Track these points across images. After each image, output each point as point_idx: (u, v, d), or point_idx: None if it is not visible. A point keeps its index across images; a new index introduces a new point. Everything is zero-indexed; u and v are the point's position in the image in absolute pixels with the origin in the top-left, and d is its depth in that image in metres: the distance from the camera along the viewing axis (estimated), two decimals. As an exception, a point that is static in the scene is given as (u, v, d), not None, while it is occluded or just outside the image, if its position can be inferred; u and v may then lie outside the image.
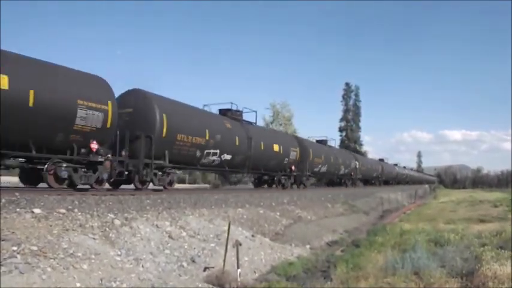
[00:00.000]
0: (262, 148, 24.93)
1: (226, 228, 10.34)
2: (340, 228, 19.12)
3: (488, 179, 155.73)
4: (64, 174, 13.10)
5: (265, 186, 29.06)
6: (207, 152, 19.74)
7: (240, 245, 9.79)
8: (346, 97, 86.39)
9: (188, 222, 11.99)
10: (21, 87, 11.71)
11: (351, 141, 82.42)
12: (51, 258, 7.15)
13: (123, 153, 15.55)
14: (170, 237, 10.53)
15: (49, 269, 6.79)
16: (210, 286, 8.91)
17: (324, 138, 41.68)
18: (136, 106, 16.72)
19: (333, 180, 43.68)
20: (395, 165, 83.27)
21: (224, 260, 9.38)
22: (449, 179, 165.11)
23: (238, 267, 9.29)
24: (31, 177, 14.05)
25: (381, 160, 71.70)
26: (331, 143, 42.92)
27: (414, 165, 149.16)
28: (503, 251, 11.47)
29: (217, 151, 20.55)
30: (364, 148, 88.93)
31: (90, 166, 13.91)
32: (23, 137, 12.18)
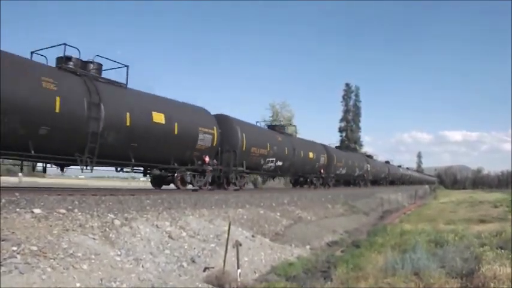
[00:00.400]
0: (302, 156, 31.53)
1: (226, 228, 10.34)
2: (340, 228, 19.12)
3: (488, 179, 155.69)
4: (188, 179, 19.00)
5: (298, 186, 36.03)
6: (267, 160, 25.85)
7: (240, 245, 9.79)
8: (346, 97, 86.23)
9: (188, 222, 12.00)
10: (171, 121, 17.42)
11: (351, 141, 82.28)
12: (51, 259, 7.15)
13: (216, 162, 20.92)
14: (170, 237, 10.53)
15: (49, 269, 6.79)
16: (210, 286, 8.91)
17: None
18: (224, 128, 21.61)
19: (349, 180, 47.25)
20: (399, 166, 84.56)
21: (224, 260, 9.37)
22: (449, 180, 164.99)
23: (238, 268, 9.29)
24: (160, 182, 20.10)
25: (387, 162, 73.30)
26: (327, 141, 45.15)
27: (414, 166, 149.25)
28: (503, 251, 11.47)
29: (274, 159, 26.62)
30: (364, 149, 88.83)
31: (202, 173, 19.79)
32: (168, 155, 17.82)
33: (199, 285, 8.85)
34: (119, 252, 8.70)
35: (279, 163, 27.40)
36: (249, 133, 23.38)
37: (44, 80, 13.07)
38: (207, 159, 17.15)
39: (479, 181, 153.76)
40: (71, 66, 15.02)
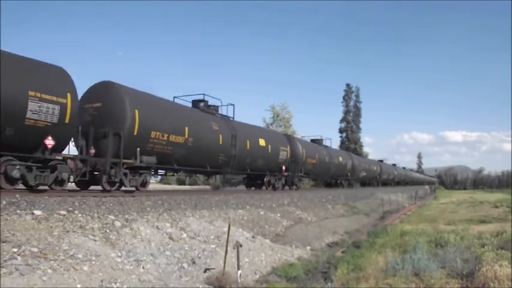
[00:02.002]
0: (336, 162, 32.00)
1: (226, 229, 10.34)
2: (341, 229, 19.12)
3: (489, 180, 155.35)
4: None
5: (254, 188, 28.13)
6: (316, 168, 26.95)
7: (241, 246, 9.79)
8: (346, 98, 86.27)
9: (189, 223, 12.01)
10: (267, 144, 15.52)
11: (351, 142, 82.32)
12: (51, 260, 7.16)
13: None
14: (171, 238, 10.54)
15: (50, 271, 6.80)
16: (211, 287, 8.92)
17: (319, 138, 40.67)
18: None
19: (327, 181, 43.55)
20: (394, 165, 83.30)
21: (224, 262, 9.38)
22: (449, 180, 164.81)
23: (238, 269, 9.29)
24: (252, 183, 18.77)
25: (380, 161, 71.38)
26: (328, 143, 42.60)
27: (414, 167, 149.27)
28: (503, 251, 11.46)
29: (322, 167, 28.14)
30: (365, 149, 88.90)
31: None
32: (264, 166, 16.44)
33: (200, 287, 8.86)
34: (119, 254, 8.70)
35: (322, 169, 35.80)
36: (306, 147, 30.91)
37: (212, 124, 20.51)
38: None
39: (479, 181, 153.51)
40: (218, 113, 22.98)
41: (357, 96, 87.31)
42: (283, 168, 28.33)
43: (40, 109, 12.10)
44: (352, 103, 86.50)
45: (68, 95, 12.98)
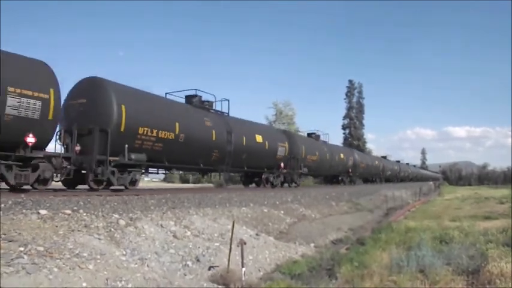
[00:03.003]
0: (337, 159, 31.66)
1: (230, 227, 10.35)
2: (345, 226, 19.11)
3: (494, 175, 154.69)
4: (271, 179, 12.18)
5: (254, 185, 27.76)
6: (317, 164, 26.72)
7: (245, 243, 9.79)
8: (349, 94, 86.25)
9: (192, 221, 12.03)
10: (264, 140, 16.01)
11: (354, 138, 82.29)
12: (57, 259, 7.18)
13: (77, 148, 14.37)
14: (175, 236, 10.56)
15: (55, 269, 6.82)
16: (215, 285, 8.93)
17: (315, 132, 39.31)
18: (91, 96, 15.29)
19: (328, 178, 43.32)
20: (398, 162, 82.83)
21: (229, 259, 9.39)
22: (454, 176, 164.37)
23: (242, 266, 9.30)
24: (249, 181, 17.49)
25: (383, 157, 70.98)
26: (331, 139, 42.45)
27: (418, 163, 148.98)
28: (509, 248, 11.43)
29: (323, 163, 27.69)
30: (368, 146, 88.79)
31: (279, 175, 13.84)
32: (261, 163, 16.40)
33: (204, 284, 8.86)
34: (124, 252, 8.72)
35: (323, 166, 35.48)
36: (306, 144, 29.04)
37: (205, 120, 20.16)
38: (30, 139, 11.75)
39: (484, 177, 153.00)
40: (212, 108, 22.53)
41: (360, 92, 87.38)
42: (282, 165, 27.51)
43: (20, 105, 11.75)
44: (355, 99, 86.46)
45: (51, 90, 12.60)
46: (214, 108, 22.99)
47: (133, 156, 15.66)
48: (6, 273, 6.24)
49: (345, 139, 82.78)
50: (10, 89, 11.58)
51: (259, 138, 24.69)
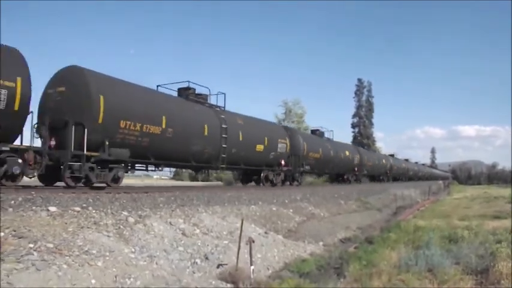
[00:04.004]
0: (342, 157, 31.21)
1: (239, 225, 10.36)
2: (354, 225, 19.06)
3: (503, 175, 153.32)
4: (271, 177, 11.60)
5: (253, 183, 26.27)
6: (319, 162, 26.06)
7: (253, 242, 9.81)
8: (358, 93, 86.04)
9: (201, 219, 12.04)
10: (263, 136, 17.10)
11: (363, 137, 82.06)
12: (66, 256, 7.22)
13: (52, 142, 13.57)
14: (183, 234, 10.58)
15: (65, 266, 6.86)
16: (224, 283, 8.94)
17: (318, 128, 38.25)
18: (68, 85, 14.27)
19: (333, 176, 42.32)
20: (406, 160, 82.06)
21: (237, 257, 9.40)
22: (463, 175, 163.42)
23: (251, 264, 9.32)
24: (248, 179, 16.12)
25: (391, 155, 69.85)
26: (340, 137, 42.47)
27: (428, 161, 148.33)
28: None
29: (329, 161, 26.91)
30: (377, 144, 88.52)
31: (279, 173, 14.44)
32: (260, 160, 16.85)
33: (213, 282, 8.88)
34: (133, 249, 8.76)
35: (326, 164, 34.20)
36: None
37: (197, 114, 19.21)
38: (282, 162, 15.22)
39: (494, 176, 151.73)
40: (207, 102, 21.43)
41: (369, 91, 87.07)
42: (283, 162, 25.54)
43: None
44: (364, 98, 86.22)
45: (18, 78, 11.69)
46: (209, 101, 21.72)
47: (113, 151, 14.59)
48: (16, 269, 6.29)
49: (354, 138, 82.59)
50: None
51: (257, 134, 23.42)
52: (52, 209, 9.34)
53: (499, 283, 8.56)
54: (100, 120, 13.98)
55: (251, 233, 11.78)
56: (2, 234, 7.29)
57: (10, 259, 6.50)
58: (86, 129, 13.47)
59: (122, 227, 9.55)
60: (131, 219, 10.11)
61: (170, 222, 10.90)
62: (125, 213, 10.50)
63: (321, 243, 14.52)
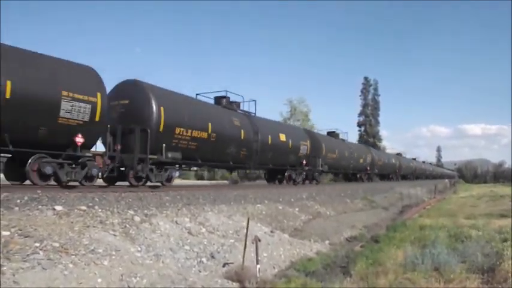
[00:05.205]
0: (356, 156, 32.90)
1: (245, 224, 10.36)
2: (360, 223, 19.01)
3: (509, 173, 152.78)
4: (48, 171, 12.54)
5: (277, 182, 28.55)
6: (335, 162, 27.49)
7: (259, 240, 9.80)
8: (364, 91, 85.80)
9: (207, 218, 12.05)
10: (287, 139, 17.07)
11: (369, 136, 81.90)
12: (72, 255, 7.24)
13: (118, 147, 15.16)
14: (190, 233, 10.59)
15: (71, 265, 6.87)
16: (230, 282, 8.94)
17: (334, 130, 41.07)
18: (132, 98, 16.38)
19: (347, 175, 43.67)
20: (414, 159, 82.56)
21: (243, 256, 9.40)
22: (469, 174, 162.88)
23: (257, 263, 9.31)
24: (16, 174, 13.48)
25: (399, 154, 70.47)
26: (346, 136, 42.88)
27: (434, 160, 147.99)
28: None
29: (342, 161, 28.42)
30: (383, 143, 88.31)
31: (301, 172, 17.52)
32: (285, 161, 17.71)
33: (219, 281, 8.88)
34: (139, 248, 8.77)
35: (342, 163, 36.82)
36: (172, 107, 18.19)
37: (234, 120, 21.61)
38: (79, 139, 12.97)
39: (500, 175, 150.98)
40: (240, 109, 23.93)
41: (375, 89, 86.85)
42: (304, 162, 28.94)
43: (72, 108, 12.77)
44: (370, 96, 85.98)
45: (98, 94, 13.59)
46: (242, 108, 24.30)
47: (170, 154, 16.74)
48: (22, 268, 6.31)
49: (360, 136, 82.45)
50: (64, 93, 12.59)
51: (283, 137, 26.36)
52: (58, 208, 9.35)
53: (505, 282, 8.52)
54: (161, 128, 16.34)
55: (257, 232, 11.78)
56: (8, 233, 7.31)
57: (16, 258, 6.52)
58: (149, 136, 15.66)
59: (128, 226, 9.57)
60: (137, 218, 10.13)
61: (176, 221, 10.91)
62: (131, 212, 10.52)
63: (327, 241, 14.49)
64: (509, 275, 8.68)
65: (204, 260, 9.59)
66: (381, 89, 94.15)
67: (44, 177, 12.72)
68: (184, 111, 17.92)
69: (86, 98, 13.13)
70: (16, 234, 7.36)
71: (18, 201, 9.44)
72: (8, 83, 11.25)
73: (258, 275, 9.12)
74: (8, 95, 11.26)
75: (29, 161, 12.28)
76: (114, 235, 8.82)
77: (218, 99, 22.84)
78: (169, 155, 16.70)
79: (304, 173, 29.63)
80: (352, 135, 79.12)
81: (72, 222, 8.74)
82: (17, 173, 13.37)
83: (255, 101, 25.22)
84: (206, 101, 22.00)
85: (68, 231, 8.17)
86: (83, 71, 13.91)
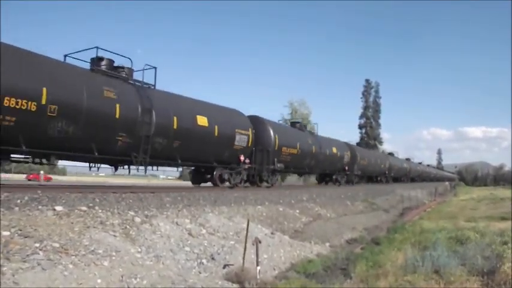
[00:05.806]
0: (327, 153, 32.88)
1: (245, 225, 10.35)
2: (360, 226, 19.00)
3: (510, 176, 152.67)
4: (226, 177, 20.77)
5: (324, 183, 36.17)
6: (296, 159, 28.33)
7: (260, 242, 9.79)
8: (366, 94, 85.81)
9: (208, 219, 12.04)
10: (212, 124, 18.99)
11: (370, 138, 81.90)
12: (72, 255, 7.23)
13: (247, 161, 21.91)
14: (190, 234, 10.58)
15: (71, 266, 6.87)
16: (230, 283, 8.93)
17: (299, 121, 37.14)
18: (256, 129, 23.00)
19: (372, 178, 48.21)
20: (408, 159, 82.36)
21: (243, 258, 9.39)
22: (470, 177, 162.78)
23: (257, 265, 9.31)
24: (199, 179, 21.88)
25: (390, 154, 69.22)
26: (346, 138, 44.12)
27: (434, 163, 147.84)
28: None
29: (304, 158, 29.83)
30: (384, 146, 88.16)
31: (239, 171, 21.65)
32: (209, 155, 19.46)
33: (219, 282, 8.87)
34: (139, 249, 8.77)
35: (308, 161, 29.63)
36: (280, 133, 25.36)
37: (308, 140, 30.44)
38: (242, 158, 20.62)
39: (500, 178, 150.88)
40: (306, 129, 33.32)
41: (377, 91, 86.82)
42: (241, 158, 21.74)
43: (240, 139, 20.84)
44: (371, 99, 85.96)
45: (250, 129, 22.02)
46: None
47: (279, 165, 24.91)
48: (22, 269, 6.30)
49: (361, 138, 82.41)
50: (237, 130, 20.78)
51: (335, 150, 34.16)
52: (58, 208, 9.34)
53: (505, 284, 8.52)
54: (276, 148, 24.58)
55: (257, 234, 11.76)
56: (8, 233, 7.30)
57: (16, 258, 6.52)
58: (269, 154, 24.02)
59: (128, 226, 9.56)
60: (138, 219, 10.12)
61: (177, 222, 10.91)
62: (132, 213, 10.51)
63: (327, 243, 14.48)
64: (510, 277, 8.67)
65: (204, 261, 9.59)
66: (382, 92, 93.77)
67: (222, 180, 20.72)
68: (285, 135, 26.47)
69: (246, 132, 21.34)
70: (16, 235, 7.35)
71: (19, 201, 9.43)
72: (215, 127, 19.16)
73: (258, 276, 9.11)
74: (216, 134, 19.28)
75: (215, 172, 20.26)
76: (115, 236, 8.82)
77: (293, 124, 33.04)
78: (279, 165, 24.82)
79: (346, 177, 37.06)
80: (354, 137, 78.95)
81: (72, 223, 8.73)
82: (199, 179, 21.87)
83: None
84: (296, 129, 30.79)
85: (68, 231, 8.17)
86: (240, 115, 22.38)
